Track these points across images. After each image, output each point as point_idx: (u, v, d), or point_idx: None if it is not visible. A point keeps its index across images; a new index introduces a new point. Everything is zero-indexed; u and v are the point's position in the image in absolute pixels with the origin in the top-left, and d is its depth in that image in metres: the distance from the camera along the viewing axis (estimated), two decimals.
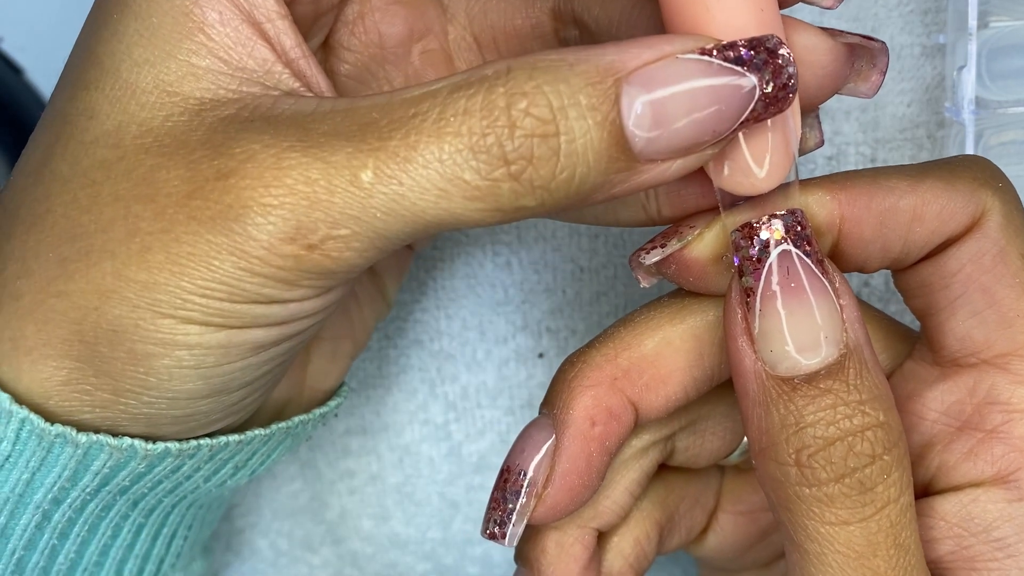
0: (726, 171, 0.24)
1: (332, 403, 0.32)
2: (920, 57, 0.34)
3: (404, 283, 0.37)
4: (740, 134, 0.24)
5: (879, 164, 0.34)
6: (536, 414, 0.37)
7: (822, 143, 0.27)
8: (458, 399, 0.38)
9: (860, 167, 0.35)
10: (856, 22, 0.34)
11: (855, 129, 0.34)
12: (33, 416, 0.25)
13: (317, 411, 0.31)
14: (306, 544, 0.40)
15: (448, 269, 0.37)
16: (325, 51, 0.30)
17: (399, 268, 0.34)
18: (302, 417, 0.30)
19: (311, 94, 0.25)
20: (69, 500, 0.27)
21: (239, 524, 0.40)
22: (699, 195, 0.27)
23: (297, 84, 0.25)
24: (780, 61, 0.23)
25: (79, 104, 0.25)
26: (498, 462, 0.38)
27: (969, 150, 0.31)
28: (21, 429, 0.25)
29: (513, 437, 0.38)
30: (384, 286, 0.33)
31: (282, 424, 0.29)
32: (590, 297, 0.37)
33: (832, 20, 0.34)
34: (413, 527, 0.39)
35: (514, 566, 0.39)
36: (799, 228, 0.24)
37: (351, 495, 0.39)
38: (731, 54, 0.23)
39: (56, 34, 0.31)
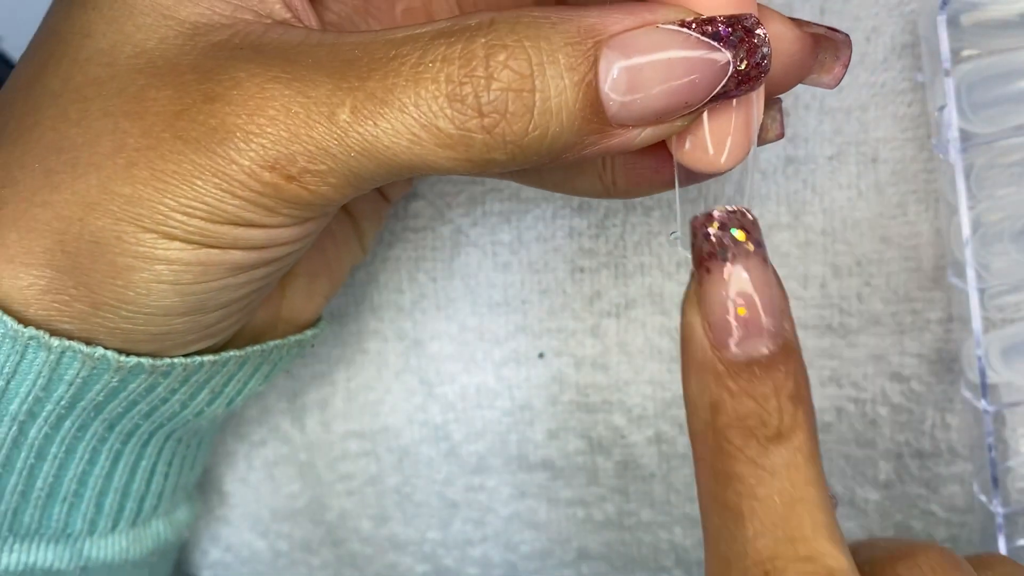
0: (687, 146, 0.25)
1: (309, 332, 0.32)
2: (920, 58, 0.34)
3: (403, 285, 0.37)
4: (705, 113, 0.24)
5: (879, 164, 0.34)
6: (535, 414, 0.37)
7: (782, 135, 0.28)
8: (457, 400, 0.37)
9: (861, 167, 0.35)
10: (857, 21, 0.34)
11: (856, 129, 0.34)
12: (7, 318, 0.25)
13: (292, 337, 0.31)
14: (305, 546, 0.40)
15: (447, 269, 0.37)
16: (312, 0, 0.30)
17: (375, 216, 0.34)
18: (277, 342, 0.31)
19: (301, 25, 0.26)
20: (44, 414, 0.27)
21: (238, 525, 0.40)
22: (654, 168, 0.28)
23: (288, 15, 0.26)
24: (755, 40, 0.24)
25: (75, 23, 0.26)
26: (497, 463, 0.38)
27: (960, 185, 0.32)
28: None
29: (513, 438, 0.38)
30: (361, 231, 0.34)
31: (256, 347, 0.30)
32: (590, 297, 0.37)
33: (833, 17, 0.34)
34: (412, 528, 0.39)
35: (511, 569, 0.39)
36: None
37: (350, 496, 0.39)
38: (709, 28, 0.23)
39: None
